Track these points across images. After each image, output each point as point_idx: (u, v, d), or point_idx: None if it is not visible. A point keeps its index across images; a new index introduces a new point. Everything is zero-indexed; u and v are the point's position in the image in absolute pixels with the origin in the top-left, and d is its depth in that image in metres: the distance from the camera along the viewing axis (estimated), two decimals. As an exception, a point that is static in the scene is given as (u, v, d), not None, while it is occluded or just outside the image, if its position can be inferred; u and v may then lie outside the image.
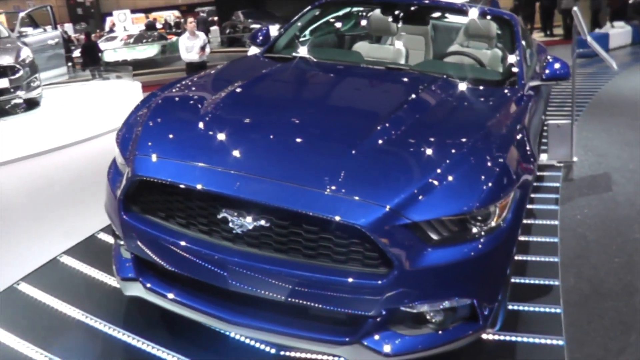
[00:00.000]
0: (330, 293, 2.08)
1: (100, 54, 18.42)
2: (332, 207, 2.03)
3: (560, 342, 2.66)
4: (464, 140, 2.45)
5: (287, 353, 2.58)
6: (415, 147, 2.41)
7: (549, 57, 3.70)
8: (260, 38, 4.10)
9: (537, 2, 17.72)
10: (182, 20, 37.08)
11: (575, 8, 5.43)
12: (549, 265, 3.40)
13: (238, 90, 2.93)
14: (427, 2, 4.46)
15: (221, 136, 2.45)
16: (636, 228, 3.87)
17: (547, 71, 3.50)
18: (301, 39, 4.23)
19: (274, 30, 4.46)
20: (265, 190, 2.10)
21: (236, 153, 2.31)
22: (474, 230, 2.16)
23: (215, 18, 30.59)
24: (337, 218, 2.00)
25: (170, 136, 2.51)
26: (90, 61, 16.67)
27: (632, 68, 10.49)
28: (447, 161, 2.26)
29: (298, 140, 2.43)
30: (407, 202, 2.06)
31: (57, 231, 3.97)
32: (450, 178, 2.18)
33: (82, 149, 6.67)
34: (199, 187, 2.17)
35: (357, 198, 2.06)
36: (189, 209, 2.28)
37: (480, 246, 2.14)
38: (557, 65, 3.50)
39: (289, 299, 2.14)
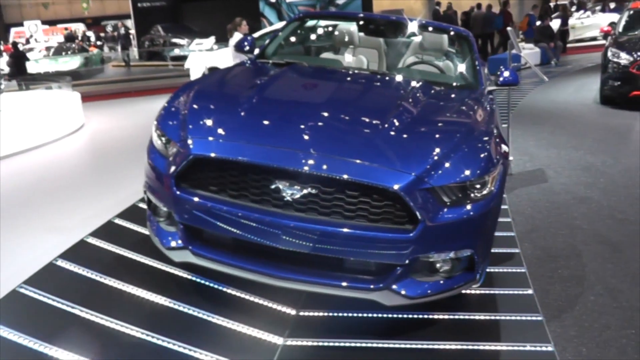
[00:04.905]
0: (370, 246, 2.59)
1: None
2: (374, 175, 2.56)
3: (530, 292, 3.30)
4: (458, 128, 3.06)
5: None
6: (424, 131, 3.00)
7: (501, 67, 4.40)
8: (247, 47, 4.58)
9: None
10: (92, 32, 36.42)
11: (509, 28, 6.28)
12: (508, 238, 4.07)
13: (264, 85, 3.43)
14: (394, 19, 5.09)
15: (266, 120, 2.94)
16: (574, 209, 4.67)
17: (501, 78, 4.20)
18: (284, 47, 4.76)
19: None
20: (319, 163, 2.59)
21: (286, 134, 2.79)
22: (474, 195, 2.74)
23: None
24: (378, 184, 2.53)
25: (221, 121, 2.93)
26: (18, 72, 16.24)
27: (544, 84, 11.70)
28: (451, 143, 2.85)
29: (334, 124, 2.95)
30: (427, 172, 2.62)
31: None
32: (455, 155, 2.77)
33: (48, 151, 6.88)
34: (262, 162, 2.61)
35: (391, 168, 2.60)
36: (242, 182, 2.72)
37: (479, 207, 2.73)
38: (507, 74, 4.21)
39: (333, 255, 2.63)
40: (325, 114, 3.06)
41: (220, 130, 2.86)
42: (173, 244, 2.95)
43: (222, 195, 2.77)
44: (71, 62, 21.66)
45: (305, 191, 2.60)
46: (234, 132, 2.85)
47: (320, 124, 2.93)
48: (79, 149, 7.47)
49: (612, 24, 14.90)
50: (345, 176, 2.55)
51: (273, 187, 2.64)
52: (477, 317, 3.06)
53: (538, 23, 16.73)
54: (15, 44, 19.81)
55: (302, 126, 2.88)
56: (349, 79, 3.90)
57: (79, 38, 31.68)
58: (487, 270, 3.36)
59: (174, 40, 23.17)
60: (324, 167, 2.58)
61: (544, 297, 3.27)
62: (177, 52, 21.89)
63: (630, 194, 5.01)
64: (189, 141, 2.80)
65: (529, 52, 15.77)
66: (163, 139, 2.99)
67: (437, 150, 2.76)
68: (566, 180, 5.44)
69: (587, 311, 3.14)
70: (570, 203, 4.82)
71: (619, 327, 2.97)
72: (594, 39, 21.43)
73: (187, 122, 2.94)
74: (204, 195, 2.78)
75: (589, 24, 22.17)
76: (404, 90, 3.53)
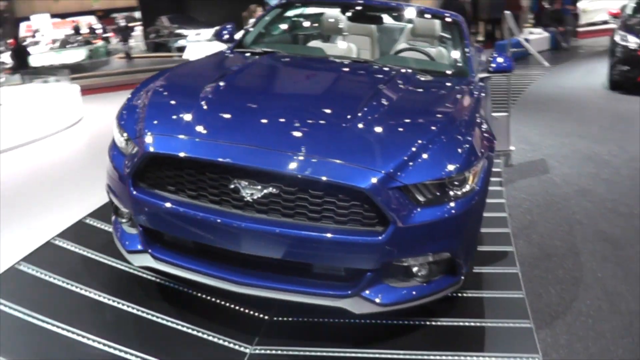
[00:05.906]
0: (336, 250, 2.37)
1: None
2: (339, 173, 2.33)
3: (521, 295, 3.06)
4: (437, 119, 2.83)
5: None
6: (398, 124, 2.77)
7: (494, 53, 4.13)
8: (227, 36, 4.34)
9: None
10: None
11: (507, 12, 6.00)
12: (502, 235, 3.82)
13: (230, 76, 3.20)
14: (384, 4, 4.83)
15: (227, 114, 2.72)
16: (574, 202, 4.41)
17: (493, 65, 3.93)
18: (266, 36, 4.52)
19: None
20: (280, 160, 2.37)
21: (245, 129, 2.57)
22: (453, 193, 2.51)
23: (136, 24, 30.10)
24: (343, 182, 2.30)
25: (179, 116, 2.71)
26: (19, 65, 16.14)
27: (553, 70, 11.37)
28: (427, 136, 2.61)
29: (298, 117, 2.72)
30: (399, 168, 2.39)
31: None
32: (431, 150, 2.53)
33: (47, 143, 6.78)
34: (216, 160, 2.40)
35: (358, 165, 2.37)
36: (200, 182, 2.51)
37: (459, 206, 2.49)
38: (500, 60, 3.94)
39: (297, 259, 2.42)
40: (292, 108, 2.82)
41: (177, 126, 2.64)
42: (134, 247, 2.76)
43: (180, 195, 2.56)
44: (76, 55, 21.60)
45: (265, 191, 2.39)
46: (192, 127, 2.62)
47: (284, 118, 2.69)
48: (74, 143, 7.27)
49: (622, 7, 14.44)
50: (307, 174, 2.33)
51: (232, 186, 2.43)
52: (460, 324, 2.83)
53: (547, 6, 16.24)
54: (17, 38, 19.75)
55: (264, 121, 2.66)
56: (326, 68, 3.66)
57: (84, 30, 31.63)
58: (475, 270, 3.15)
59: (179, 31, 22.99)
60: (283, 164, 2.36)
61: (535, 301, 3.03)
62: (181, 42, 21.73)
63: (635, 186, 4.75)
64: (145, 138, 2.59)
65: (538, 37, 15.36)
66: (124, 135, 2.80)
67: (412, 144, 2.53)
68: (568, 171, 5.18)
69: (581, 317, 2.90)
70: (571, 196, 4.56)
71: (616, 336, 2.74)
72: (605, 22, 20.85)
73: (145, 118, 2.73)
74: (160, 196, 2.58)
75: (598, 8, 21.55)
76: (384, 80, 3.28)
